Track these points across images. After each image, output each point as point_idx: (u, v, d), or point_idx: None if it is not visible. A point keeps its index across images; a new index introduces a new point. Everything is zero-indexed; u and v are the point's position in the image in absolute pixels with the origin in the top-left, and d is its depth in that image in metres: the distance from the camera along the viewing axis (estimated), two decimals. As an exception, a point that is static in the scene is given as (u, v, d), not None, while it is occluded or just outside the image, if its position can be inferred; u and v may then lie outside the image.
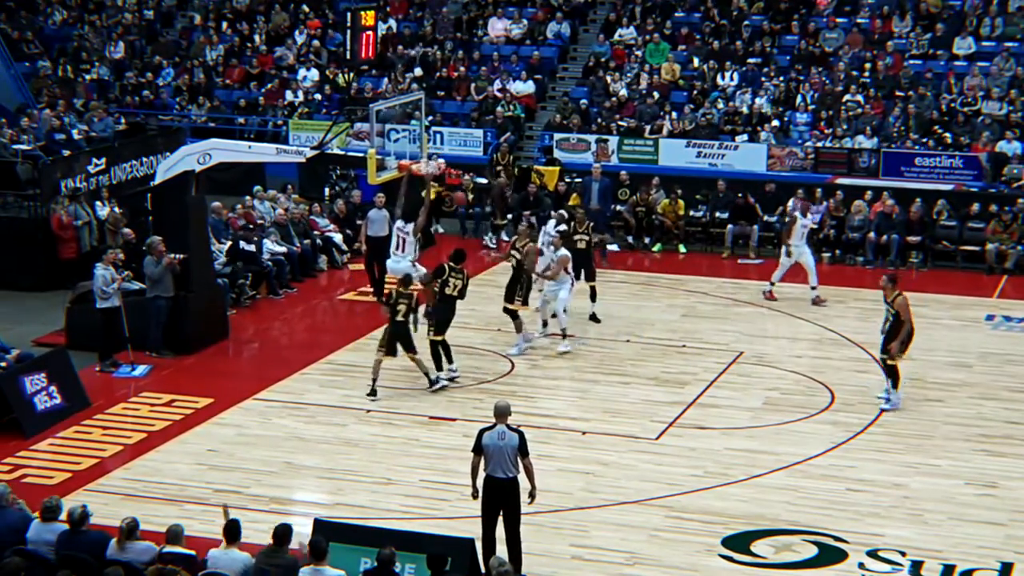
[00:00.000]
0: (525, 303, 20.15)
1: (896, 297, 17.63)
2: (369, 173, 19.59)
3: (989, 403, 18.26)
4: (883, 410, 17.66)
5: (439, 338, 18.65)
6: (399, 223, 21.27)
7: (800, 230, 22.60)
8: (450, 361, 18.80)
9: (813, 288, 22.80)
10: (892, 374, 17.79)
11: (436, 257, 23.49)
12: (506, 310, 20.20)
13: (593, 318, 21.60)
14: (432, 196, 22.83)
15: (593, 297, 21.69)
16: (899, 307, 17.57)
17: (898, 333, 17.51)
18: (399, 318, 18.14)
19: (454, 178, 28.02)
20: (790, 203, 26.62)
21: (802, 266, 22.79)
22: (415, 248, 21.11)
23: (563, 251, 20.16)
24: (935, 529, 14.47)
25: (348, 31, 20.16)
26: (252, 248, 23.12)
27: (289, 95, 32.64)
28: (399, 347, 18.30)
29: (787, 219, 23.66)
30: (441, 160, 23.41)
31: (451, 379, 18.69)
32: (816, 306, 22.57)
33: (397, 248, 21.15)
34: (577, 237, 21.40)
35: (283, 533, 11.66)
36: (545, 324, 20.70)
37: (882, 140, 28.36)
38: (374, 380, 18.28)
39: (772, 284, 23.03)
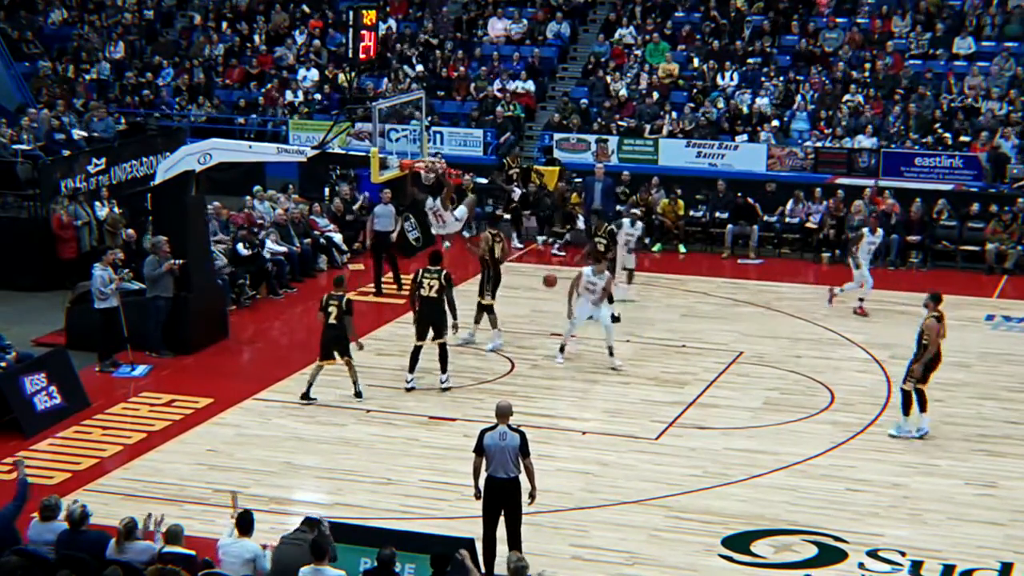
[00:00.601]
0: (493, 297, 20.29)
1: (927, 318, 16.91)
2: (372, 172, 19.63)
3: (989, 403, 18.28)
4: (891, 435, 16.98)
5: (420, 343, 18.53)
6: (428, 201, 22.05)
7: (867, 246, 22.19)
8: (443, 371, 18.58)
9: (840, 291, 22.48)
10: (906, 400, 17.03)
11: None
12: (480, 306, 20.40)
13: (615, 319, 21.63)
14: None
15: (611, 299, 21.69)
16: (925, 328, 16.83)
17: (919, 356, 16.87)
18: (331, 320, 18.04)
19: (455, 178, 28.00)
20: (789, 204, 26.70)
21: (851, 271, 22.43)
22: (452, 214, 21.69)
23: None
24: (935, 529, 14.48)
25: (350, 30, 20.19)
26: (248, 252, 23.09)
27: (289, 95, 32.64)
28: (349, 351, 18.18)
29: (853, 234, 23.09)
30: (442, 160, 23.52)
31: (410, 388, 18.55)
32: (830, 305, 22.44)
33: (436, 223, 21.96)
34: (596, 239, 21.52)
35: (312, 520, 11.97)
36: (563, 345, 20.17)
37: (882, 140, 28.36)
38: (310, 384, 18.18)
39: (860, 301, 22.39)
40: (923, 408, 16.97)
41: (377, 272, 23.57)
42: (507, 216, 27.32)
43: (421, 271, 18.62)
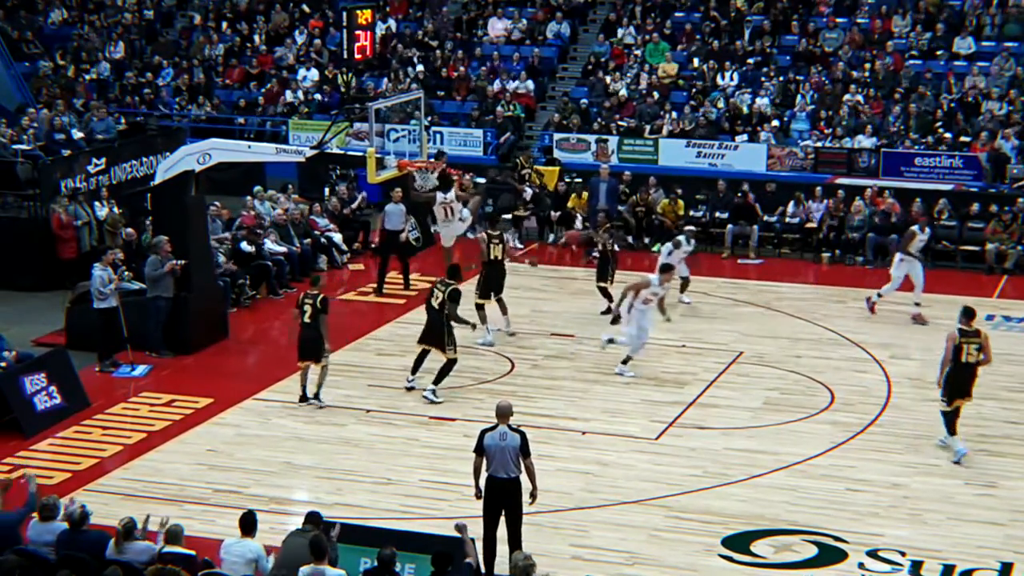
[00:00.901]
0: (482, 297, 20.60)
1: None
2: (369, 172, 19.63)
3: (989, 403, 18.22)
4: (955, 462, 16.16)
5: (421, 347, 18.46)
6: (439, 195, 22.47)
7: (918, 244, 21.90)
8: (412, 372, 18.49)
9: (917, 304, 21.98)
10: (946, 421, 16.37)
11: (431, 257, 23.67)
12: (500, 303, 20.79)
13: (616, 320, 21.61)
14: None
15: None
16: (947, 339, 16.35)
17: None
18: (306, 319, 17.96)
19: (458, 178, 28.02)
20: (790, 206, 26.68)
21: (910, 278, 21.96)
22: (460, 210, 22.05)
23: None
24: (935, 529, 14.48)
25: (345, 30, 20.21)
26: (252, 250, 23.18)
27: (289, 95, 32.64)
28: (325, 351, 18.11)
29: (906, 232, 22.48)
30: (445, 159, 23.66)
31: (409, 388, 18.51)
32: (916, 323, 21.73)
33: (446, 217, 22.42)
34: (597, 239, 21.51)
35: (315, 517, 12.03)
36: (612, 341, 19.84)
37: (882, 140, 28.35)
38: (303, 387, 18.17)
39: (879, 296, 22.09)
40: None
41: (382, 271, 23.52)
42: (519, 215, 27.36)
43: (437, 281, 18.58)
